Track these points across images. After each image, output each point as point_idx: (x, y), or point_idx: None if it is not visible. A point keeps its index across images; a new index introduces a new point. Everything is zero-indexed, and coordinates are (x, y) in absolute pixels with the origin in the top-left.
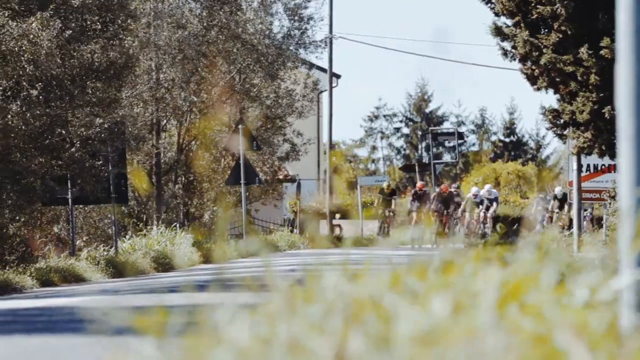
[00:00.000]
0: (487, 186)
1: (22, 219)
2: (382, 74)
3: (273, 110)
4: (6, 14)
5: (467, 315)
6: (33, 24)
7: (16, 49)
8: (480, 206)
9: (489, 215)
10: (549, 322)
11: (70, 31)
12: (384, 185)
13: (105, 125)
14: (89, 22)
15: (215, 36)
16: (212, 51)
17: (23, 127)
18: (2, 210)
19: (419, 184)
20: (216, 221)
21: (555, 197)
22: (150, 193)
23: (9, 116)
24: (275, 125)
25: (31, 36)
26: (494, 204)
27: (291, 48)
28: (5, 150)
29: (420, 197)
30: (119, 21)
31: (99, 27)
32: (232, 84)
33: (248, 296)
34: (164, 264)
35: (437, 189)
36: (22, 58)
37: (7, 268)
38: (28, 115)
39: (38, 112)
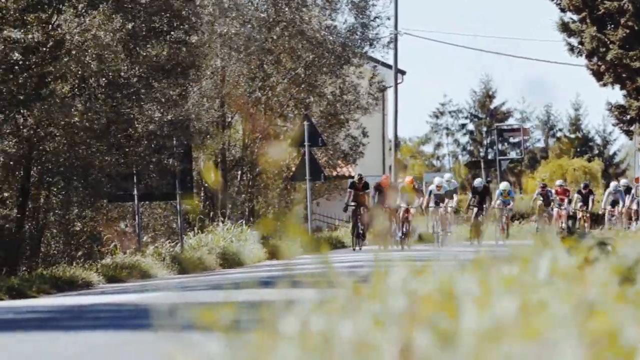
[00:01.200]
0: (447, 175)
1: (89, 216)
2: (447, 70)
3: (337, 106)
4: (71, 11)
5: (533, 312)
6: (95, 18)
7: (80, 44)
8: (444, 201)
9: (449, 211)
10: (617, 320)
11: (132, 24)
12: (355, 178)
13: (170, 120)
14: (156, 23)
15: (280, 32)
16: (277, 47)
17: (88, 124)
18: (69, 206)
19: (407, 178)
20: (282, 217)
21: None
22: (216, 189)
23: (75, 113)
24: (339, 121)
25: (94, 30)
26: (454, 196)
27: (356, 44)
28: (72, 147)
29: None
30: (186, 20)
31: (165, 27)
32: (297, 80)
33: (313, 292)
34: (229, 260)
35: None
36: (86, 53)
37: (74, 264)
38: (92, 112)
39: (103, 109)
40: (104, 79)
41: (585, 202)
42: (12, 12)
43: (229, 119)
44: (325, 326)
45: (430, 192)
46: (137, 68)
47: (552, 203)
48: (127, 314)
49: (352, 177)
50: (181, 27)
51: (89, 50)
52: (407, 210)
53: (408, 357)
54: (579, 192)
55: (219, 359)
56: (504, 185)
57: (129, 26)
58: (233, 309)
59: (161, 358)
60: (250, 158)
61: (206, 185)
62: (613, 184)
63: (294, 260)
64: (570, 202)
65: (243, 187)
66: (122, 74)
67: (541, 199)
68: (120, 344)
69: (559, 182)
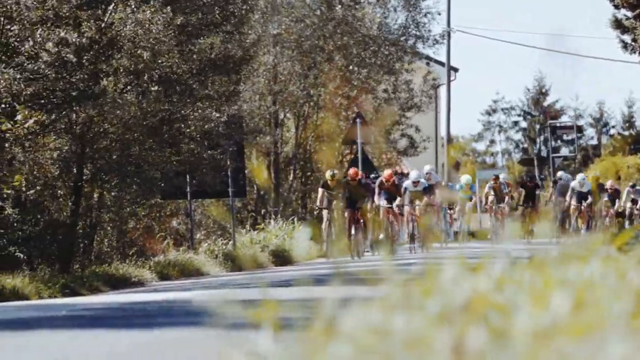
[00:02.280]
0: (427, 167)
1: (142, 213)
2: (500, 67)
3: (390, 104)
4: (123, 7)
5: (588, 310)
6: (147, 11)
7: (132, 38)
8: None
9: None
10: None
11: (183, 18)
12: (328, 176)
13: (224, 119)
14: (209, 17)
15: (332, 30)
16: (329, 45)
17: (142, 121)
18: (122, 204)
19: (386, 172)
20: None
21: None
22: (268, 187)
23: (128, 110)
24: (392, 119)
25: (146, 24)
26: (436, 191)
27: (408, 42)
28: (125, 144)
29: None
30: (239, 15)
31: (219, 21)
32: (350, 77)
33: (366, 290)
34: (281, 258)
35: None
36: (138, 47)
37: (127, 262)
38: (146, 108)
39: (157, 106)
40: (156, 74)
41: (634, 201)
42: (65, 12)
43: (282, 117)
44: (378, 323)
45: (406, 189)
46: (189, 64)
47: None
48: (179, 312)
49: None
50: (232, 19)
51: (141, 44)
52: (405, 210)
53: (461, 355)
54: (628, 190)
55: (271, 357)
56: (465, 178)
57: (180, 18)
58: (285, 306)
59: (213, 356)
60: (303, 156)
61: (257, 183)
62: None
63: (346, 257)
64: (615, 201)
65: (295, 185)
66: (175, 68)
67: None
68: (173, 341)
69: (609, 182)
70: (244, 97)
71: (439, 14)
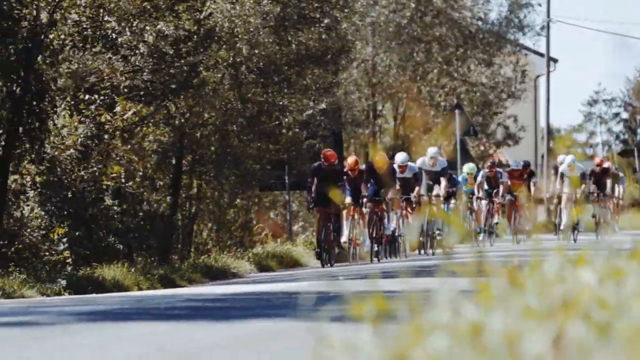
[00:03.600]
0: (431, 150)
1: (240, 204)
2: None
3: (488, 95)
4: (225, 2)
5: None
6: (245, 4)
7: (230, 30)
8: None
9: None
10: None
11: (281, 10)
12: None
13: (322, 107)
14: (307, 10)
15: (431, 21)
16: (427, 36)
17: (240, 112)
18: (221, 195)
19: (350, 159)
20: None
21: None
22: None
23: (226, 101)
24: (490, 110)
25: (244, 16)
26: (442, 180)
27: (508, 32)
28: (223, 135)
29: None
30: (337, 7)
31: (317, 15)
32: (448, 69)
33: (466, 282)
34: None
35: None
36: (237, 39)
37: (226, 253)
38: (244, 100)
39: (255, 97)
40: (254, 65)
41: None
42: (162, 4)
43: (380, 108)
44: (477, 316)
45: (395, 174)
46: (287, 54)
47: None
48: (278, 304)
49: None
50: (332, 12)
51: (240, 37)
52: (377, 206)
53: (561, 348)
54: None
55: (368, 349)
56: (467, 167)
57: (277, 9)
58: (383, 298)
59: (311, 347)
60: (401, 147)
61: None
62: None
63: (450, 249)
64: None
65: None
66: (273, 59)
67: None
68: (271, 333)
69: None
70: (342, 88)
71: (540, 5)
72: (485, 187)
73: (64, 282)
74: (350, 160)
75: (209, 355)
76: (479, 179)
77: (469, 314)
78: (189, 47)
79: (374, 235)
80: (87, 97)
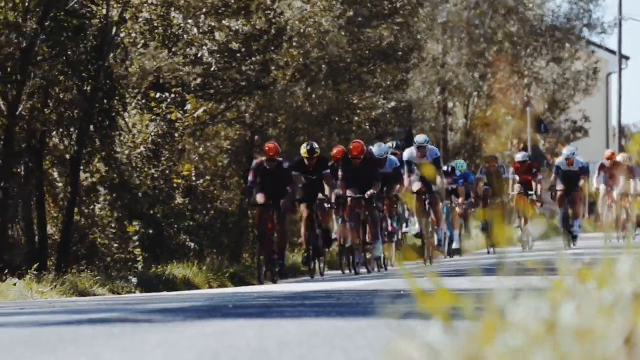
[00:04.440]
0: (420, 138)
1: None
2: None
3: (558, 93)
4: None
5: None
6: (317, 5)
7: (301, 30)
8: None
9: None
10: None
11: (353, 10)
12: (303, 151)
13: (392, 105)
14: (378, 8)
15: (502, 19)
16: (498, 34)
17: (310, 110)
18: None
19: (336, 149)
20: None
21: None
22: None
23: (296, 99)
24: (560, 108)
25: (316, 17)
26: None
27: (577, 30)
28: (294, 133)
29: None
30: (408, 7)
31: (388, 12)
32: (518, 67)
33: (536, 280)
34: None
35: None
36: (308, 40)
37: (296, 251)
38: (315, 97)
39: (325, 95)
40: (325, 65)
41: None
42: (232, 2)
43: (451, 106)
44: (549, 313)
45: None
46: (358, 53)
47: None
48: (349, 301)
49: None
50: (402, 11)
51: (310, 37)
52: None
53: (633, 346)
54: None
55: (440, 347)
56: (457, 164)
57: (351, 13)
58: (456, 296)
59: (383, 345)
60: (472, 145)
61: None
62: None
63: (514, 247)
64: None
65: None
66: (344, 57)
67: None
68: (343, 330)
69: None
70: (413, 86)
71: (605, 0)
72: (484, 183)
73: (135, 280)
74: (302, 149)
75: (280, 353)
76: (478, 175)
77: (541, 312)
78: (260, 45)
79: (358, 242)
80: (157, 95)
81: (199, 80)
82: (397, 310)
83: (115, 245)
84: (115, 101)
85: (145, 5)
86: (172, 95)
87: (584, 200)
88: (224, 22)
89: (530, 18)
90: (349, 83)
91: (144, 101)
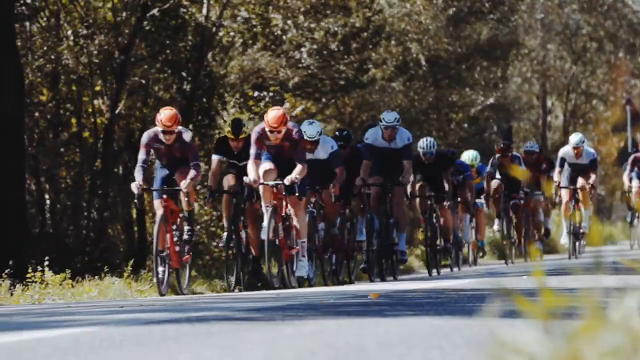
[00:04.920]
0: (389, 115)
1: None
2: None
3: None
4: None
5: None
6: (417, 2)
7: (400, 28)
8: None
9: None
10: None
11: (454, 7)
12: (226, 129)
13: (491, 101)
14: (477, 4)
15: (602, 16)
16: (597, 32)
17: (409, 108)
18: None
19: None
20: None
21: None
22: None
23: (395, 97)
24: None
25: (414, 16)
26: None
27: None
28: None
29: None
30: (508, 3)
31: (488, 9)
32: (618, 64)
33: (636, 279)
34: (547, 246)
35: None
36: (407, 37)
37: None
38: (413, 95)
39: (425, 92)
40: (424, 60)
41: None
42: (331, 1)
43: (549, 104)
44: None
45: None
46: (457, 50)
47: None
48: (447, 300)
49: None
50: (502, 8)
51: (409, 35)
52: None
53: None
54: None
55: (539, 346)
56: (468, 155)
57: (450, 11)
58: (555, 295)
59: (482, 345)
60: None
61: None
62: None
63: (615, 246)
64: None
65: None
66: (442, 54)
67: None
68: (441, 329)
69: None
70: (511, 82)
71: None
72: (497, 177)
73: (232, 279)
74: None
75: (379, 352)
76: (488, 168)
77: None
78: (358, 43)
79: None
80: (255, 93)
81: (297, 79)
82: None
83: (214, 243)
84: (214, 100)
85: (244, 4)
86: (271, 94)
87: (595, 200)
88: (322, 23)
89: (628, 15)
90: (449, 79)
91: (242, 100)
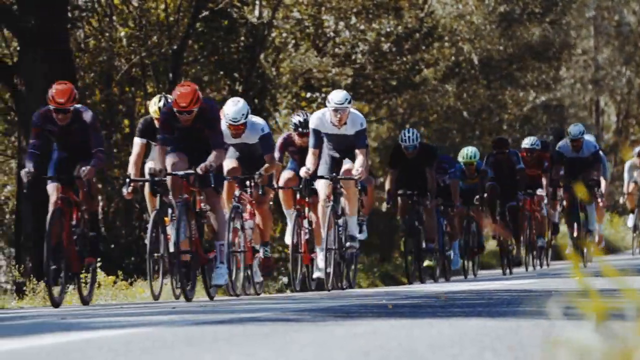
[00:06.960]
0: (336, 95)
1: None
2: None
3: None
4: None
5: None
6: (469, 3)
7: (453, 29)
8: None
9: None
10: None
11: (505, 7)
12: (152, 109)
13: (542, 100)
14: (530, 6)
15: None
16: None
17: (461, 109)
18: None
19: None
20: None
21: None
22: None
23: (447, 98)
24: None
25: (467, 16)
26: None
27: None
28: (444, 132)
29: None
30: (561, 4)
31: (539, 10)
32: None
33: None
34: (606, 247)
35: None
36: (459, 37)
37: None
38: (466, 98)
39: (477, 93)
40: (477, 60)
41: None
42: (387, 1)
43: (603, 105)
44: None
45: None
46: (510, 50)
47: None
48: (499, 301)
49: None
50: (555, 9)
51: (461, 36)
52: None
53: None
54: None
55: (593, 347)
56: (466, 152)
57: (502, 9)
58: (608, 297)
59: (536, 346)
60: (625, 143)
61: None
62: None
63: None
64: None
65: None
66: (495, 55)
67: None
68: (493, 331)
69: None
70: (564, 83)
71: None
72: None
73: (285, 280)
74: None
75: (431, 353)
76: (482, 167)
77: None
78: (410, 44)
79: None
80: (308, 94)
81: (349, 80)
82: (548, 310)
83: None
84: (267, 101)
85: (297, 5)
86: (323, 95)
87: (601, 201)
88: (374, 24)
89: None
90: (502, 80)
91: (294, 101)
